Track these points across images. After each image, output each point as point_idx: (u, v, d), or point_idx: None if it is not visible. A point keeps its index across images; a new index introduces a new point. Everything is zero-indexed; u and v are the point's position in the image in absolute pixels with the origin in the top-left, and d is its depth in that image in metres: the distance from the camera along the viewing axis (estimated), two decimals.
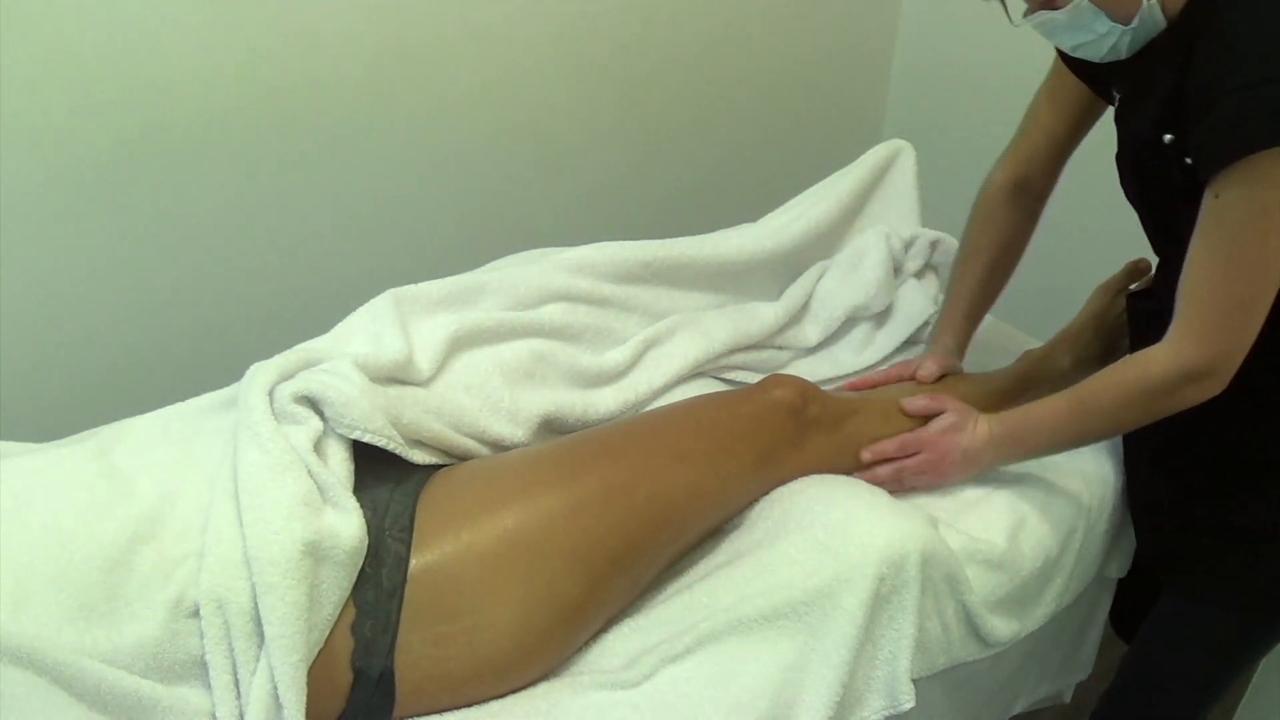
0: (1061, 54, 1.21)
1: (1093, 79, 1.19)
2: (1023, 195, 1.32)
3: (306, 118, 1.55)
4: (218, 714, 0.88)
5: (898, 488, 1.20)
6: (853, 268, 1.49)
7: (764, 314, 1.42)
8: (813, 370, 1.42)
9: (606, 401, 1.26)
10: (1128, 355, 1.10)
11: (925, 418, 1.23)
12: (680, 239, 1.41)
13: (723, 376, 1.39)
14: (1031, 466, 1.28)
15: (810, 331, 1.47)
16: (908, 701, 1.03)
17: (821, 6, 2.08)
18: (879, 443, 1.20)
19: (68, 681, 0.84)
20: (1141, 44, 1.02)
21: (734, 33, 1.97)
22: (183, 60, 1.42)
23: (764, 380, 1.20)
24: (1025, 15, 1.03)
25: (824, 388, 1.26)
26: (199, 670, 0.89)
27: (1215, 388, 1.02)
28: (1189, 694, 1.23)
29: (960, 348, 1.37)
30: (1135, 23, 0.99)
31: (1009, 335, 1.54)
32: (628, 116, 1.91)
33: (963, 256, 1.37)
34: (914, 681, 1.04)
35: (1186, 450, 1.17)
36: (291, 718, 0.87)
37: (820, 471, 1.16)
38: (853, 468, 1.19)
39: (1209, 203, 0.96)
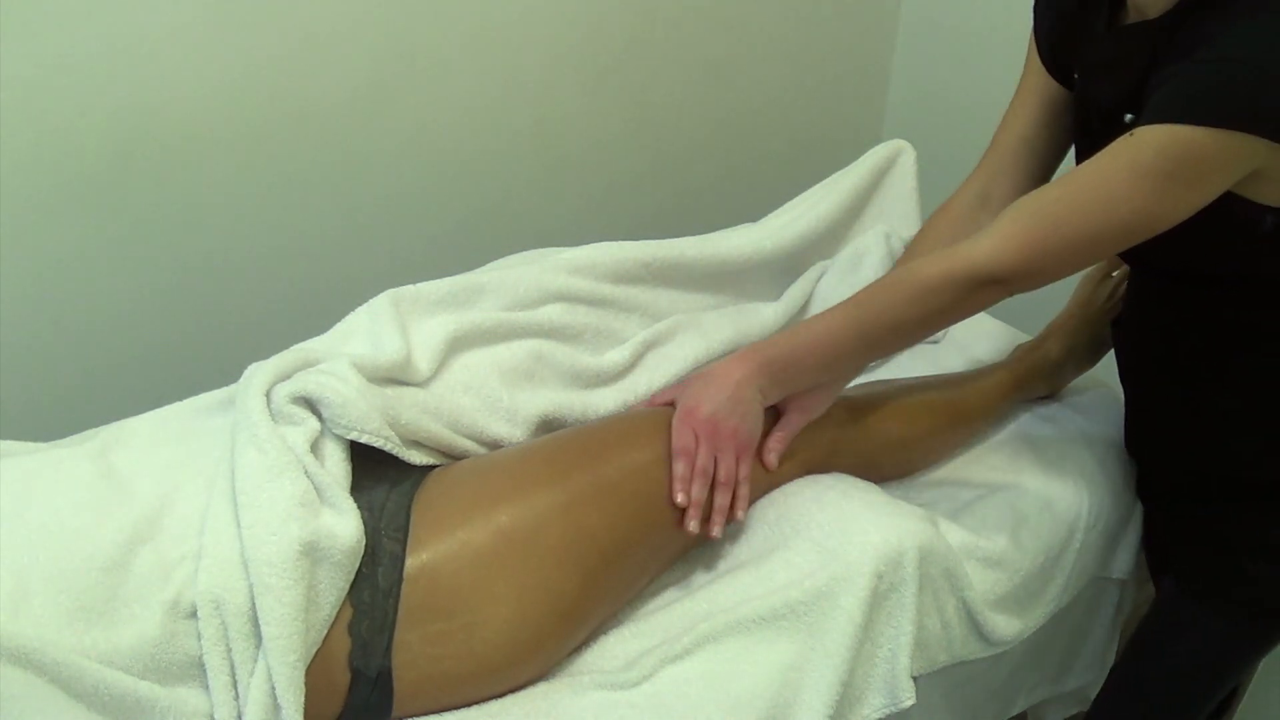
0: (1035, 28, 1.18)
1: (1056, 60, 1.16)
2: (984, 211, 1.22)
3: (308, 119, 1.56)
4: (216, 715, 0.88)
5: (716, 477, 1.07)
6: (853, 268, 1.49)
7: (764, 314, 1.42)
8: None
9: (606, 402, 1.25)
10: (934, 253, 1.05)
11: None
12: (680, 239, 1.41)
13: None
14: (1032, 466, 1.28)
15: None
16: (908, 699, 1.03)
17: (822, 8, 2.08)
18: (673, 479, 1.06)
19: (66, 682, 0.84)
20: None
21: (734, 34, 1.97)
22: (184, 60, 1.42)
23: None
24: None
25: None
26: (197, 671, 0.89)
27: (998, 298, 1.02)
28: (1178, 696, 1.22)
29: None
30: None
31: (1001, 331, 1.54)
32: (628, 118, 1.91)
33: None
34: (914, 679, 1.04)
35: (1194, 468, 1.18)
36: (290, 718, 0.87)
37: (814, 470, 1.16)
38: (847, 466, 1.18)
39: (1119, 138, 0.95)
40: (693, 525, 1.05)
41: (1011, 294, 1.02)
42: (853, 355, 1.10)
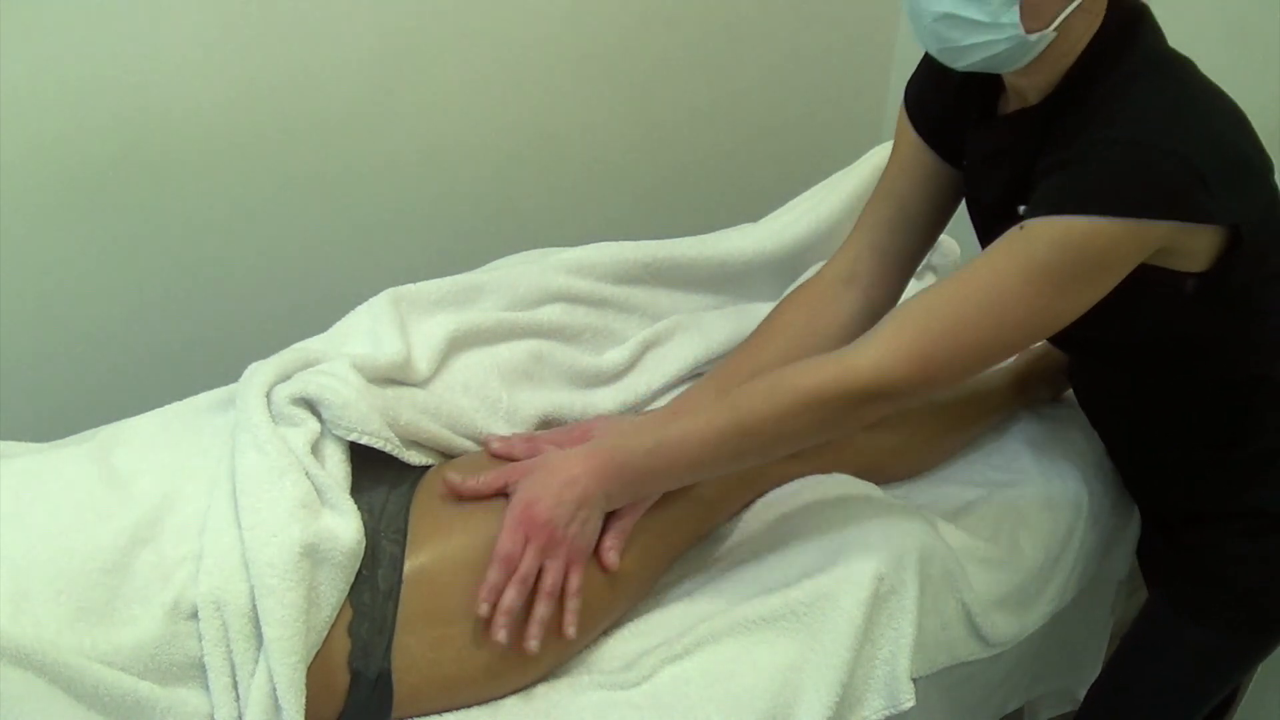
0: (907, 108, 1.11)
1: (939, 141, 1.08)
2: (849, 289, 1.12)
3: (306, 116, 1.55)
4: (216, 715, 0.88)
5: (540, 585, 0.95)
6: None
7: (764, 315, 1.42)
8: None
9: (605, 403, 1.25)
10: (802, 363, 0.95)
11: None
12: (680, 239, 1.41)
13: None
14: (1032, 467, 1.28)
15: None
16: (908, 701, 1.03)
17: (822, 9, 2.08)
18: (483, 585, 0.94)
19: (67, 683, 0.84)
20: (1019, 63, 0.89)
21: (734, 32, 1.97)
22: (185, 65, 1.42)
23: None
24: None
25: None
26: (198, 672, 0.89)
27: (887, 412, 0.94)
28: (1163, 704, 1.21)
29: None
30: (1034, 38, 0.86)
31: None
32: (628, 117, 1.91)
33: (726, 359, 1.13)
34: (914, 681, 1.04)
35: (1157, 497, 1.20)
36: (291, 719, 0.87)
37: (809, 473, 1.16)
38: (850, 468, 1.18)
39: (1009, 232, 0.88)
40: (500, 635, 0.92)
41: (899, 409, 0.93)
42: (718, 465, 0.99)
